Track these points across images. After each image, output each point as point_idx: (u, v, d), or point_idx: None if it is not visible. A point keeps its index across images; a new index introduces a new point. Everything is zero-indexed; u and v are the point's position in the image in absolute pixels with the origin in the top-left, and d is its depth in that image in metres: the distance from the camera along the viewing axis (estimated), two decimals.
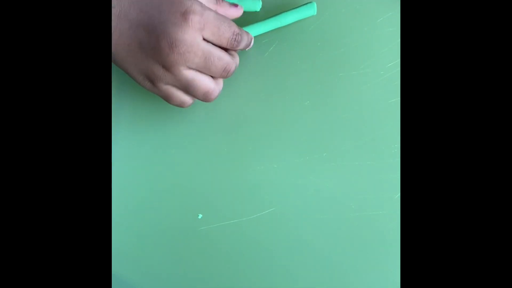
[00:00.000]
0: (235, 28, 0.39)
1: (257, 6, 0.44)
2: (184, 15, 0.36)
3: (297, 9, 0.43)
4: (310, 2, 0.43)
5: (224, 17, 0.39)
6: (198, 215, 0.45)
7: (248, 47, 0.42)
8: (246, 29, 0.43)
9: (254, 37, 0.44)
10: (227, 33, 0.38)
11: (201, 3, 0.37)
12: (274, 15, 0.43)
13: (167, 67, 0.38)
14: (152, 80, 0.39)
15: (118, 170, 0.46)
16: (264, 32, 0.44)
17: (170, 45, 0.37)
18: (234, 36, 0.39)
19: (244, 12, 0.44)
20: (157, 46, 0.37)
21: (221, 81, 0.41)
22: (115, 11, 0.37)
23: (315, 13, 0.43)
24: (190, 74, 0.39)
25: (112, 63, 0.40)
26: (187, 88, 0.40)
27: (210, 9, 0.38)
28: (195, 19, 0.37)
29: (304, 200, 0.43)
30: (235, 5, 0.41)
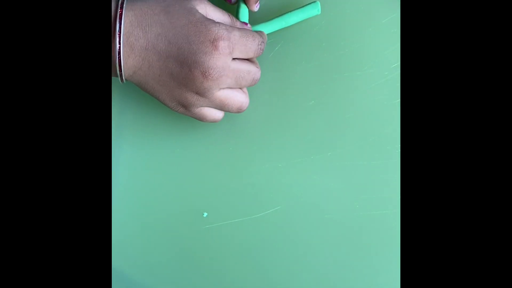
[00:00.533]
0: (258, 37, 0.40)
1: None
2: (214, 42, 0.37)
3: (302, 8, 0.43)
4: (314, 2, 0.43)
5: (246, 30, 0.40)
6: (203, 214, 0.45)
7: None
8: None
9: None
10: (253, 46, 0.40)
11: (225, 26, 0.38)
12: (279, 16, 0.44)
13: (201, 93, 0.39)
14: (186, 106, 0.40)
15: (123, 168, 0.46)
16: (269, 32, 0.44)
17: (203, 73, 0.37)
18: (260, 46, 0.40)
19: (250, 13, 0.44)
20: (190, 76, 0.38)
21: (246, 90, 0.42)
22: (141, 43, 0.37)
23: (319, 13, 0.44)
24: (223, 94, 0.40)
25: (142, 90, 0.40)
26: (222, 107, 0.41)
27: (234, 29, 0.39)
28: (224, 45, 0.37)
29: (308, 200, 0.44)
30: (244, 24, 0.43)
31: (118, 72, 0.37)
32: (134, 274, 0.45)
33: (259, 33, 0.42)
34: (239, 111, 0.42)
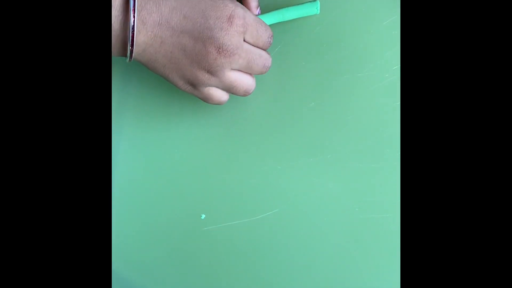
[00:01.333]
0: (269, 31, 0.41)
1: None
2: (230, 19, 0.37)
3: (301, 5, 0.43)
4: (314, 0, 0.43)
5: (260, 20, 0.40)
6: (201, 216, 0.45)
7: None
8: None
9: None
10: (264, 36, 0.40)
11: (242, 6, 0.39)
12: (276, 9, 0.43)
13: (213, 71, 0.38)
14: (195, 85, 0.39)
15: (121, 169, 0.46)
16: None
17: (217, 49, 0.37)
18: (269, 39, 0.40)
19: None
20: (203, 52, 0.37)
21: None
22: (154, 17, 0.36)
23: (318, 12, 0.43)
24: (233, 75, 0.40)
25: (150, 69, 0.40)
26: (230, 88, 0.40)
27: (250, 12, 0.39)
28: (239, 23, 0.37)
29: (308, 202, 0.44)
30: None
31: (129, 48, 0.36)
32: (132, 276, 0.45)
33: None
34: (245, 94, 0.41)
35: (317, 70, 0.44)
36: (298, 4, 0.43)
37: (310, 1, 0.43)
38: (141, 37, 0.36)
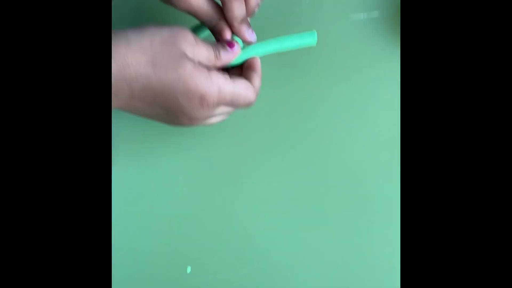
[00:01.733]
0: (250, 95, 0.39)
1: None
2: (201, 100, 0.37)
3: (298, 34, 0.42)
4: (311, 31, 0.42)
5: (238, 88, 0.38)
6: (187, 268, 0.42)
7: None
8: (245, 49, 0.41)
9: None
10: (240, 105, 0.39)
11: (217, 79, 0.37)
12: (272, 38, 0.42)
13: (194, 124, 0.39)
14: (181, 126, 0.40)
15: None
16: (260, 55, 0.42)
17: (190, 121, 0.38)
18: (247, 106, 0.40)
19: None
20: (177, 121, 0.39)
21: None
22: (126, 93, 0.36)
23: (315, 43, 0.42)
24: (217, 119, 0.40)
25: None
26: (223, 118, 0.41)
27: (225, 87, 0.37)
28: (213, 101, 0.37)
29: (292, 257, 0.42)
30: (231, 44, 0.40)
31: None
32: None
33: (253, 80, 0.40)
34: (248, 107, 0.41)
35: (304, 122, 0.45)
36: (295, 34, 0.42)
37: (307, 31, 0.42)
38: (116, 104, 0.36)
